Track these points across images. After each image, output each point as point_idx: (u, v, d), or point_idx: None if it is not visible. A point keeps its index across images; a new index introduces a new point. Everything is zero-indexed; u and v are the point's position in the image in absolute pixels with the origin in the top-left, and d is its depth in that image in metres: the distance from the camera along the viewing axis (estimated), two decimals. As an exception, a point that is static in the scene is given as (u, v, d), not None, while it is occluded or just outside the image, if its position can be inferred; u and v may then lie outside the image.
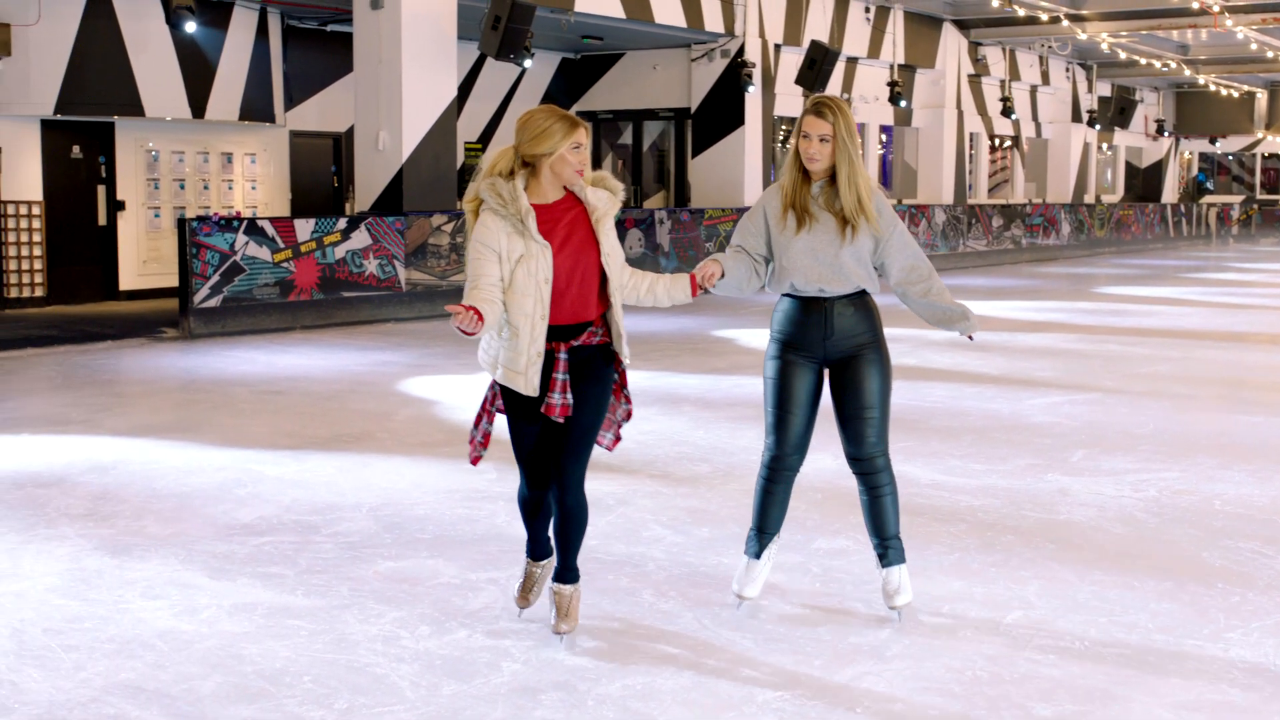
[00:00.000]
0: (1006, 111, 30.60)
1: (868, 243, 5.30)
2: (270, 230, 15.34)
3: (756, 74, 23.04)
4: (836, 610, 5.57)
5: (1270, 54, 32.21)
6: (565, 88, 24.83)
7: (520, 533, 5.90)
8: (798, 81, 23.52)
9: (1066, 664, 4.98)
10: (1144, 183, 42.37)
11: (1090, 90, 35.67)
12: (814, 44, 23.27)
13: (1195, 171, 45.48)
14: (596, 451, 5.27)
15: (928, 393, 11.01)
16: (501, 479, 7.71)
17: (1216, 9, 25.56)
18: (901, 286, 5.44)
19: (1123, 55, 32.09)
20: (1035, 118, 34.68)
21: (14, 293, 17.23)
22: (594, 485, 4.88)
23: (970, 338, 5.55)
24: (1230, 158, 45.33)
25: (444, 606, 5.58)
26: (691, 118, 23.83)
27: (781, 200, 5.36)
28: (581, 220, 5.02)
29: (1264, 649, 5.16)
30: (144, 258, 18.62)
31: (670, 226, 21.10)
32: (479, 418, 5.18)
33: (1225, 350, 14.28)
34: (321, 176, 21.10)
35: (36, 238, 17.37)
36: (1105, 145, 39.48)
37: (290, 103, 20.20)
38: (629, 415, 5.29)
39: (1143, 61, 33.44)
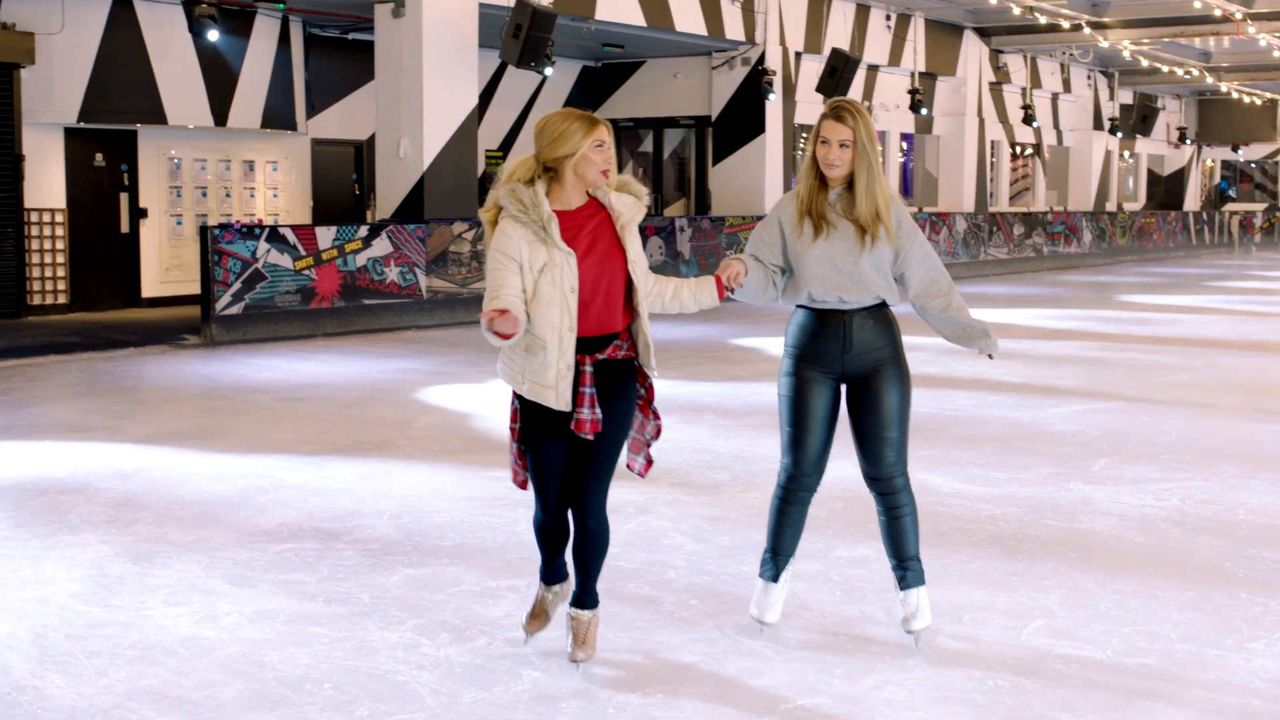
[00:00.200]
0: (1028, 119, 30.53)
1: (887, 252, 5.10)
2: (292, 238, 15.39)
3: (777, 82, 23.02)
4: (857, 619, 5.56)
5: (1293, 61, 32.10)
6: (586, 95, 24.85)
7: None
8: (818, 89, 23.50)
9: (1089, 674, 4.96)
10: (1166, 190, 42.23)
11: (1112, 98, 35.57)
12: (835, 52, 23.25)
13: (1217, 179, 45.32)
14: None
15: (949, 401, 10.98)
16: (522, 486, 7.70)
17: (1239, 16, 25.48)
18: (920, 300, 5.24)
19: (1145, 63, 32.00)
20: (1057, 125, 34.61)
21: (37, 300, 17.30)
22: (614, 494, 4.87)
23: (990, 356, 5.33)
24: (1253, 165, 45.13)
25: (464, 614, 5.59)
26: (712, 125, 23.83)
27: (797, 208, 5.18)
28: (605, 226, 4.80)
29: (1288, 659, 5.14)
30: (166, 265, 18.68)
31: (691, 234, 21.10)
32: (511, 437, 4.98)
33: (1248, 358, 14.22)
34: (343, 184, 21.16)
35: (60, 245, 17.45)
36: (1127, 153, 39.37)
37: (312, 110, 20.26)
38: (658, 433, 5.06)
39: (1165, 69, 33.35)
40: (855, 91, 25.65)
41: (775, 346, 14.49)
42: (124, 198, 18.30)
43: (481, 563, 6.35)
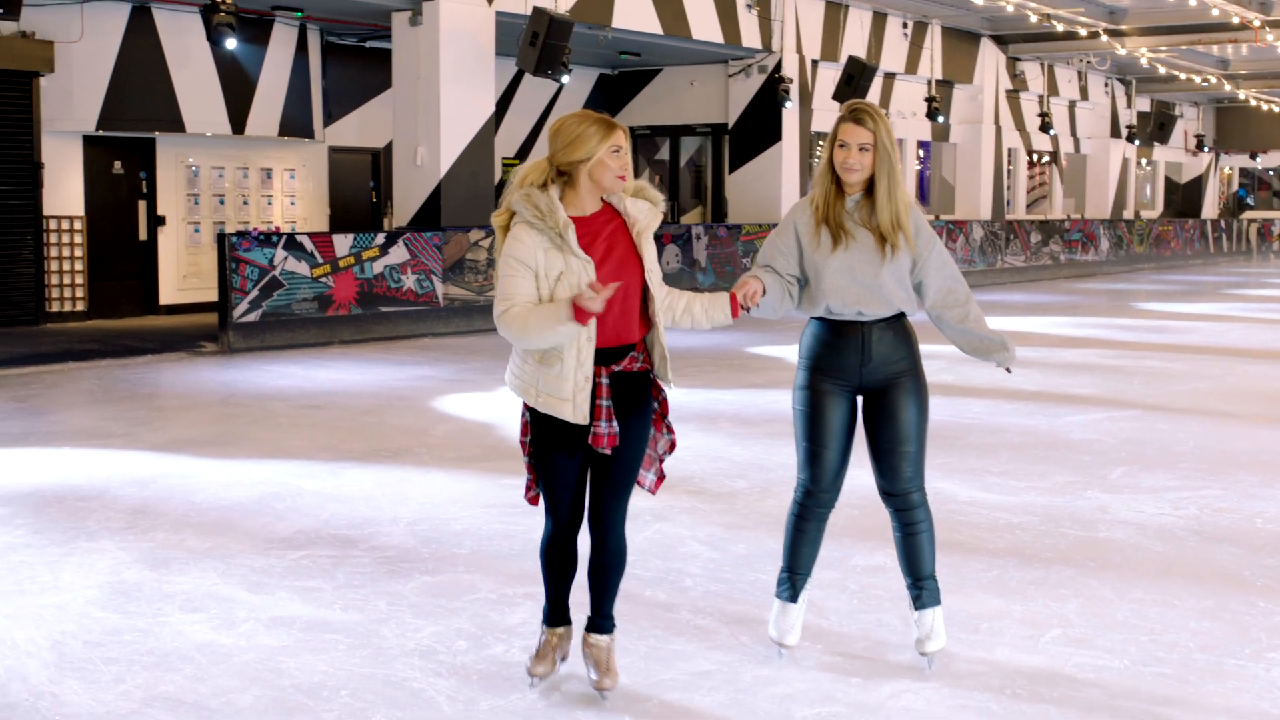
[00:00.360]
0: (1045, 127, 30.51)
1: (906, 261, 4.91)
2: (309, 245, 15.42)
3: (794, 89, 23.02)
4: (874, 627, 5.55)
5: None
6: (603, 103, 24.87)
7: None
8: (835, 97, 23.51)
9: (1106, 683, 4.94)
10: (1183, 198, 42.13)
11: (1129, 105, 35.50)
12: (851, 59, 23.25)
13: (1235, 187, 45.19)
14: None
15: (965, 409, 10.97)
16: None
17: (1257, 24, 25.41)
18: (937, 310, 5.05)
19: (1162, 70, 31.95)
20: (1074, 133, 34.55)
21: (55, 307, 17.37)
22: (630, 502, 4.84)
23: (1008, 370, 5.16)
24: (1271, 173, 45.00)
25: (481, 621, 5.59)
26: (729, 133, 23.84)
27: (813, 216, 4.96)
28: (621, 233, 4.63)
29: (1306, 669, 5.12)
30: (184, 272, 18.74)
31: (707, 242, 21.10)
32: (523, 452, 4.80)
33: (1266, 367, 14.17)
34: (360, 192, 21.21)
35: (78, 252, 17.52)
36: (1144, 160, 39.29)
37: (329, 118, 20.32)
38: (672, 447, 4.89)
39: (1182, 76, 33.29)
40: (872, 99, 25.58)
41: (792, 355, 14.48)
42: (142, 205, 18.37)
43: (498, 570, 6.36)
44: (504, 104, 22.19)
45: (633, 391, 4.66)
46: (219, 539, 6.93)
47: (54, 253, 17.30)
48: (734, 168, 23.76)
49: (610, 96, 25.16)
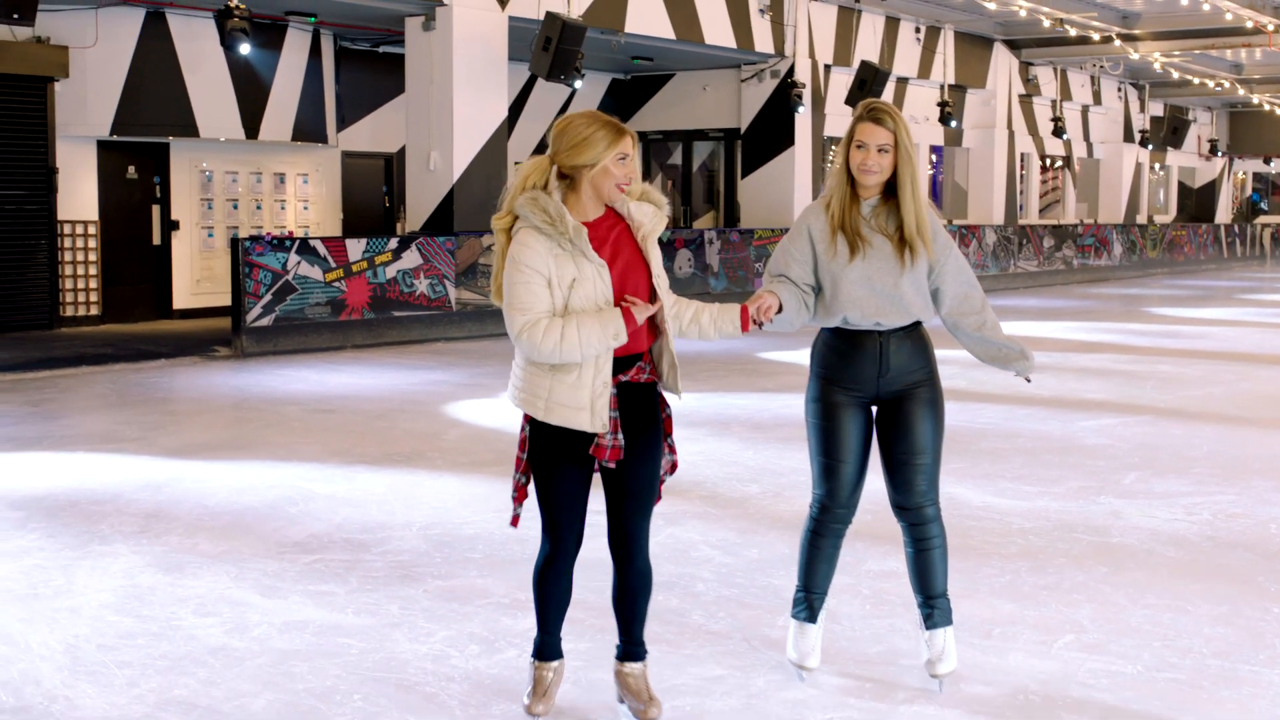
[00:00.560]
0: (1058, 131, 30.46)
1: (924, 267, 4.72)
2: (322, 250, 15.45)
3: (806, 94, 23.03)
4: (887, 633, 5.54)
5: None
6: (615, 108, 24.89)
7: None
8: (848, 102, 23.48)
9: (1119, 689, 4.93)
10: (1197, 203, 42.04)
11: (1143, 110, 35.45)
12: (864, 64, 23.24)
13: (1249, 191, 45.09)
14: None
15: (978, 414, 10.95)
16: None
17: (1270, 28, 25.36)
18: (953, 318, 4.86)
19: (1175, 75, 31.89)
20: (1087, 138, 34.50)
21: (69, 311, 17.42)
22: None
23: (1027, 380, 5.01)
24: (1285, 177, 44.93)
25: (494, 626, 5.59)
26: (741, 138, 23.85)
27: (829, 222, 4.74)
28: (626, 238, 4.42)
29: (1321, 675, 5.10)
30: (197, 277, 18.79)
31: (720, 247, 21.10)
32: (516, 467, 4.56)
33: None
34: (373, 197, 21.24)
35: (92, 257, 17.57)
36: (1158, 165, 39.22)
37: (342, 123, 20.36)
38: (673, 468, 4.63)
39: (1196, 81, 33.23)
40: (884, 104, 25.60)
41: (804, 359, 14.47)
42: (156, 210, 18.42)
43: (511, 575, 6.36)
44: (517, 109, 22.22)
45: (640, 404, 4.45)
46: (232, 543, 6.94)
47: (68, 257, 17.35)
48: (746, 172, 23.76)
49: (623, 101, 25.19)
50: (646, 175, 25.74)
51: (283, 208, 19.64)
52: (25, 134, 16.71)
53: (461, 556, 6.68)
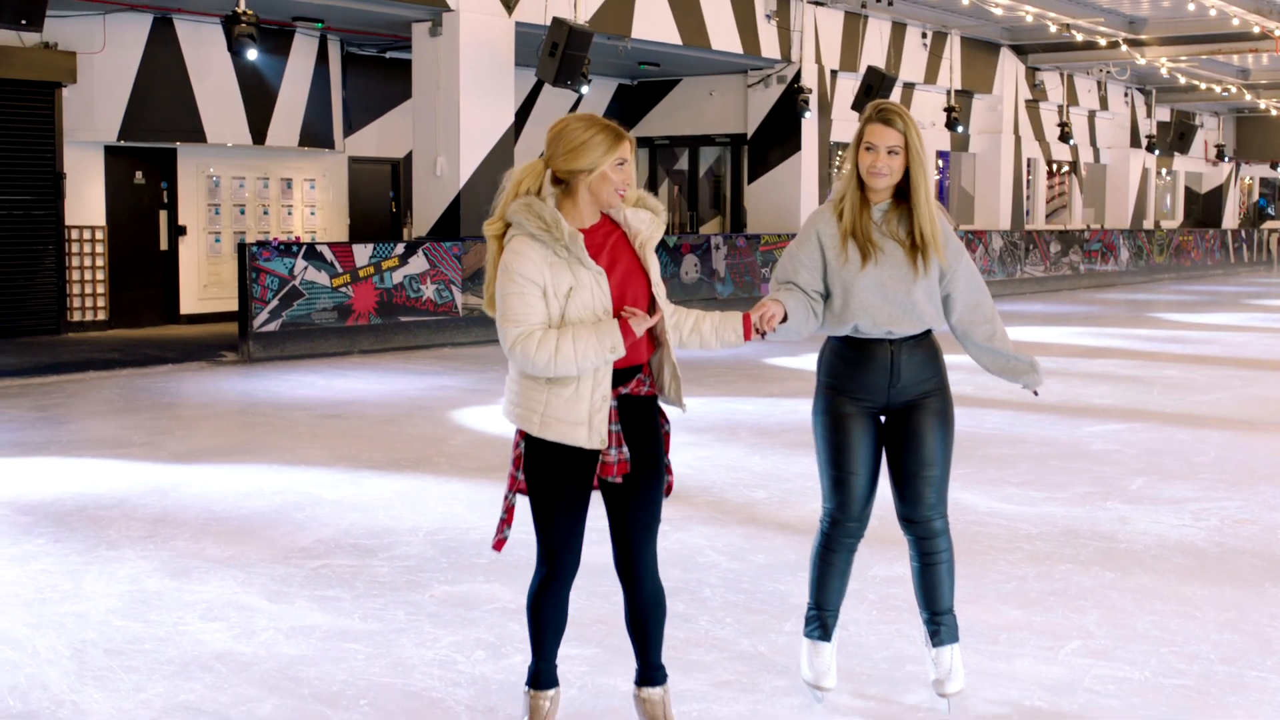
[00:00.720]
0: (1064, 137, 30.45)
1: (936, 273, 4.59)
2: (329, 255, 15.47)
3: (813, 100, 23.02)
4: (894, 638, 5.54)
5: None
6: (622, 113, 24.91)
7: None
8: (854, 107, 23.52)
9: (1126, 695, 4.93)
10: (1204, 208, 42.01)
11: (1149, 115, 35.43)
12: (870, 69, 23.25)
13: (1256, 197, 45.04)
14: None
15: (985, 419, 10.94)
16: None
17: (1277, 33, 25.34)
18: (963, 326, 4.72)
19: (1182, 80, 31.88)
20: (1093, 143, 34.49)
21: (77, 316, 17.44)
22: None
23: (1035, 393, 4.90)
24: (1292, 183, 44.89)
25: (500, 631, 5.60)
26: (748, 143, 23.85)
27: (839, 227, 4.59)
28: (623, 245, 4.24)
29: (1328, 681, 5.09)
30: (204, 282, 18.81)
31: (726, 252, 21.11)
32: (508, 485, 4.33)
33: (1288, 378, 14.12)
34: (380, 202, 21.27)
35: (99, 262, 17.59)
36: (1164, 170, 39.20)
37: (349, 129, 20.39)
38: (669, 489, 4.41)
39: (1202, 86, 33.21)
40: (891, 109, 25.60)
41: (811, 364, 14.46)
42: (163, 215, 18.45)
43: (517, 580, 6.36)
44: (523, 114, 22.24)
45: (641, 418, 4.27)
46: (239, 548, 6.95)
47: (75, 262, 17.38)
48: (753, 178, 23.76)
49: (629, 107, 25.21)
50: (653, 180, 25.77)
51: (290, 213, 19.66)
52: (33, 139, 16.74)
53: (468, 562, 6.69)
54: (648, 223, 4.28)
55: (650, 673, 4.42)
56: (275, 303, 14.91)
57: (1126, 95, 34.70)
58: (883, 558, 6.70)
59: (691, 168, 25.70)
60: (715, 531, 7.30)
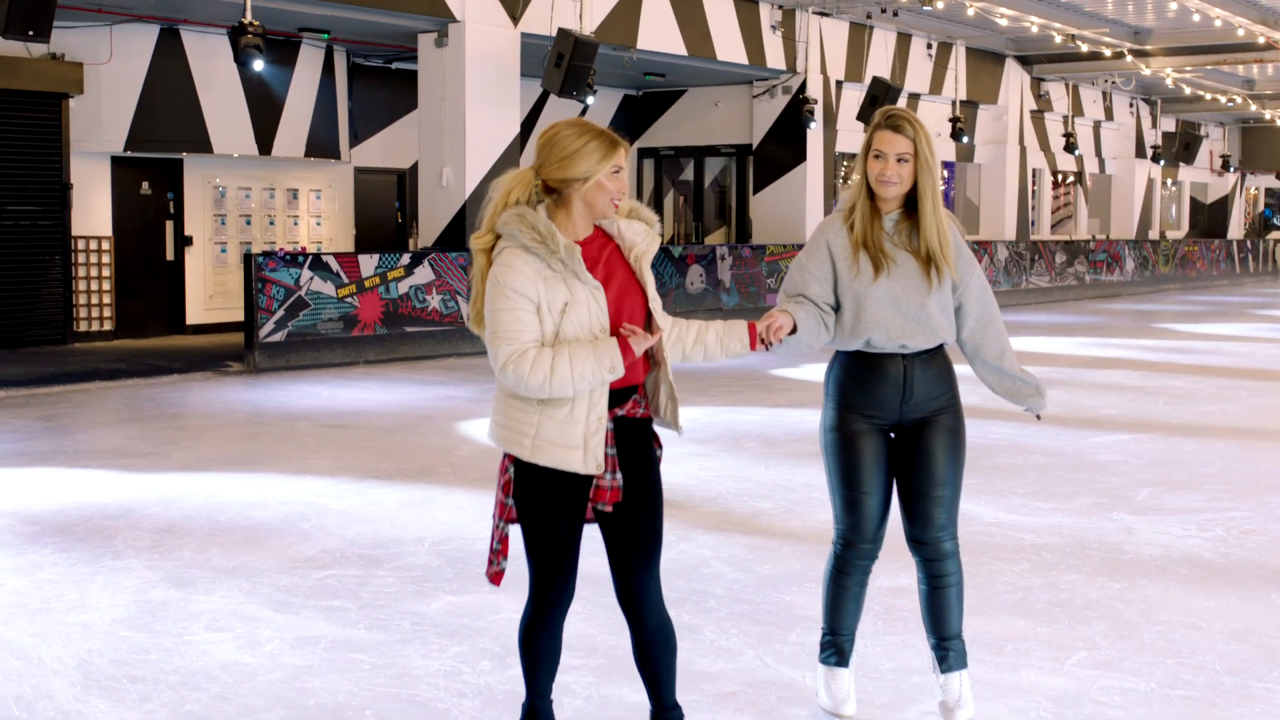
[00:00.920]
0: (1070, 147, 30.46)
1: (949, 285, 4.47)
2: (335, 265, 15.49)
3: (818, 110, 23.06)
4: (899, 649, 5.53)
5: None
6: (627, 124, 24.95)
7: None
8: (859, 118, 23.55)
9: (1132, 706, 4.92)
10: (1209, 218, 42.00)
11: (1154, 125, 35.44)
12: (876, 80, 23.27)
13: (1261, 207, 45.03)
14: None
15: (990, 430, 10.93)
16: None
17: (1283, 44, 25.37)
18: (974, 342, 4.60)
19: (1187, 90, 31.88)
20: (1099, 153, 34.49)
21: (83, 326, 17.47)
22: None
23: (1038, 417, 4.84)
24: (1297, 193, 44.87)
25: (506, 642, 5.59)
26: (753, 154, 23.87)
27: (850, 238, 4.46)
28: (617, 259, 4.01)
29: (1335, 693, 5.08)
30: (210, 292, 18.84)
31: (732, 263, 21.12)
32: (497, 513, 4.05)
33: (1294, 388, 14.10)
34: (385, 212, 21.30)
35: (105, 272, 17.63)
36: (1170, 181, 39.20)
37: (355, 139, 20.42)
38: None
39: (1207, 96, 33.22)
40: (896, 120, 25.62)
41: (817, 374, 14.45)
42: (169, 226, 18.49)
43: (523, 591, 6.31)
44: (529, 125, 22.26)
45: (637, 441, 4.03)
46: (244, 558, 6.95)
47: (82, 273, 17.41)
48: (758, 188, 23.78)
49: (635, 117, 25.24)
50: (659, 191, 25.80)
51: (296, 223, 19.69)
52: (40, 150, 16.79)
53: (473, 572, 6.68)
54: (642, 235, 4.05)
55: (665, 714, 4.17)
56: (281, 313, 14.93)
57: (1132, 106, 34.71)
58: (888, 568, 6.69)
59: (697, 178, 25.73)
60: (720, 542, 7.30)
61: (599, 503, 3.94)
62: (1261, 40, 25.18)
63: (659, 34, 19.96)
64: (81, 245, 17.39)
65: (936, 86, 26.37)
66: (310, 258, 15.40)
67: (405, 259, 16.24)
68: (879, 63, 24.52)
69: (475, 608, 6.10)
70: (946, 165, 29.41)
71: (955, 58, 26.81)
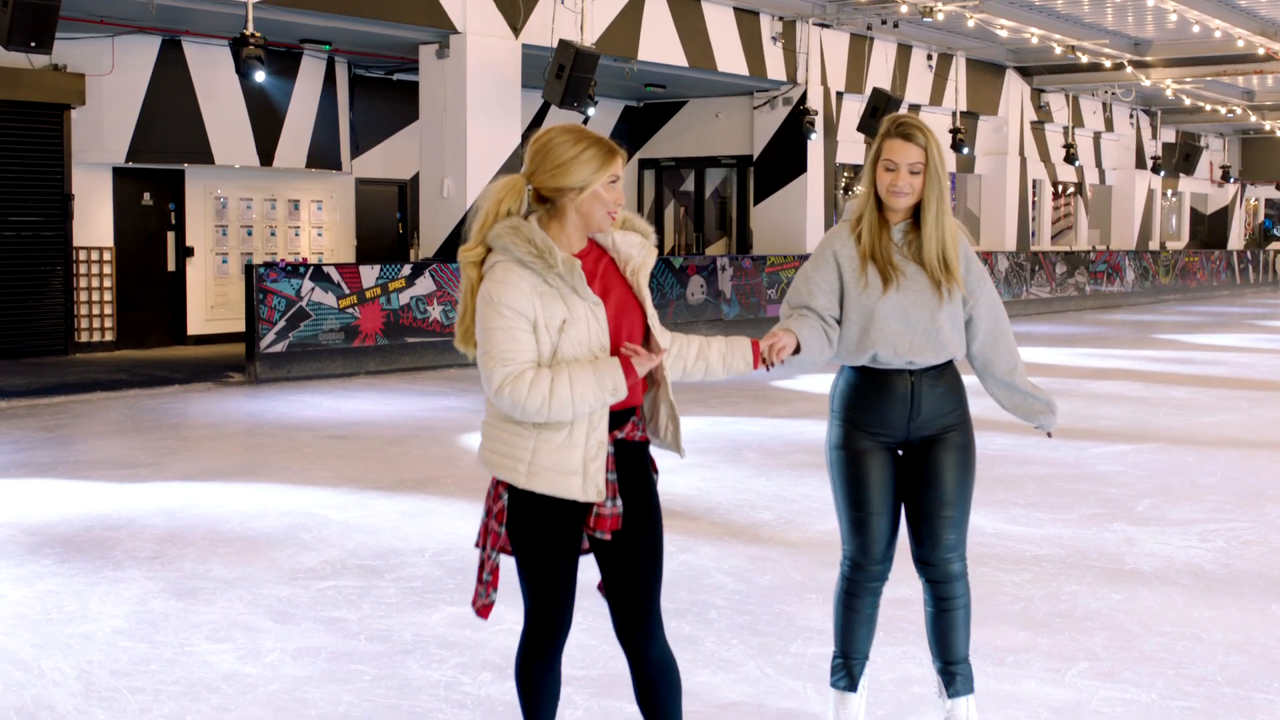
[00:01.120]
0: (1070, 158, 30.49)
1: (959, 298, 4.34)
2: (336, 276, 15.50)
3: (818, 121, 23.09)
4: (899, 660, 5.53)
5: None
6: (628, 135, 24.99)
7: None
8: (860, 129, 23.58)
9: (1133, 717, 4.92)
10: (1209, 229, 42.03)
11: (1154, 136, 35.48)
12: (876, 91, 23.30)
13: (1261, 218, 45.06)
14: None
15: (991, 441, 10.93)
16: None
17: (1283, 55, 25.41)
18: (984, 357, 4.46)
19: (1187, 101, 31.92)
20: (1099, 164, 34.52)
21: (84, 337, 17.49)
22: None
23: (1049, 435, 4.66)
24: (1297, 204, 44.91)
25: (506, 653, 5.59)
26: (754, 165, 23.90)
27: (858, 250, 4.33)
28: (613, 273, 3.77)
29: (1336, 704, 5.08)
30: (212, 303, 18.86)
31: (732, 273, 21.13)
32: (485, 541, 3.81)
33: (1294, 399, 14.10)
34: (387, 223, 21.32)
35: (107, 283, 17.64)
36: (1170, 191, 39.23)
37: (356, 150, 20.45)
38: None
39: (1207, 108, 33.26)
40: (897, 131, 25.64)
41: (818, 385, 14.46)
42: (171, 236, 18.51)
43: (520, 603, 6.35)
44: (530, 136, 22.26)
45: (638, 466, 3.81)
46: (245, 569, 6.95)
47: (83, 283, 17.43)
48: (759, 199, 23.80)
49: (636, 128, 25.28)
50: (659, 201, 25.83)
51: (297, 234, 19.71)
52: (42, 161, 16.81)
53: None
54: (638, 247, 3.81)
55: None
56: (282, 324, 14.94)
57: (1132, 117, 34.75)
58: (890, 579, 6.68)
59: (698, 189, 25.76)
60: (721, 553, 7.30)
61: (598, 531, 3.70)
62: (1261, 51, 25.21)
63: (660, 45, 20.00)
64: (83, 256, 17.41)
65: (937, 98, 26.40)
66: (311, 268, 15.41)
67: (406, 270, 16.26)
68: (879, 74, 24.56)
69: (476, 619, 6.08)
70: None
71: (955, 69, 26.85)
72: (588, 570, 3.91)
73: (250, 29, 14.96)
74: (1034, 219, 31.70)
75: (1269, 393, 14.56)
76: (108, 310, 17.69)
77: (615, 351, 3.68)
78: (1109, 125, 33.58)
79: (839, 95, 23.94)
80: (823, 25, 22.96)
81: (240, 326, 16.82)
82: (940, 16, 21.56)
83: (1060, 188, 33.60)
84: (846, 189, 26.15)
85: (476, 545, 3.83)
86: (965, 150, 26.68)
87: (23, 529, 7.81)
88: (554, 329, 3.58)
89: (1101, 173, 34.73)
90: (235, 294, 18.62)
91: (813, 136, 22.94)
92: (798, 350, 4.19)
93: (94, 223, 17.56)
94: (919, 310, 4.27)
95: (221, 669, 5.40)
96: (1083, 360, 18.15)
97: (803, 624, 5.98)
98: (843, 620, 4.49)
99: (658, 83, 22.64)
